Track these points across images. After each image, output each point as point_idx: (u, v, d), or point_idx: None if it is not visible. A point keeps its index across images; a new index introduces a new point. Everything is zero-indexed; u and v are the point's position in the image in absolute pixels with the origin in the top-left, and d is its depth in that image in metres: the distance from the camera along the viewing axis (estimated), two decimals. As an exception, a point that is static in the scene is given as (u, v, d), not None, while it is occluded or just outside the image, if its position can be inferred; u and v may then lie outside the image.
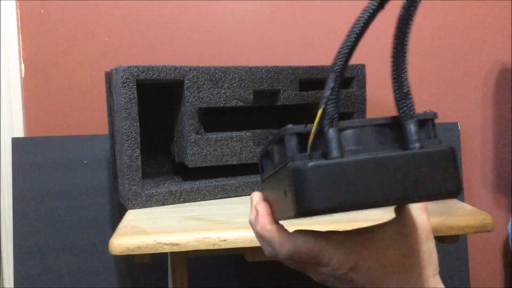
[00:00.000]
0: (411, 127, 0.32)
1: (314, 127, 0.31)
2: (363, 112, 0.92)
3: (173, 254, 0.90)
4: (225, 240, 0.62)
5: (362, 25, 0.31)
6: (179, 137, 0.83)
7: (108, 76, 0.86)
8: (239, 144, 0.82)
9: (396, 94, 0.33)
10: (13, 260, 1.04)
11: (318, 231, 0.37)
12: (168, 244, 0.61)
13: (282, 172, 0.33)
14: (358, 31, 0.31)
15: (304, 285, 1.14)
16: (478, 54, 1.23)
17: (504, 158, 1.25)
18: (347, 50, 0.31)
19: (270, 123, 0.95)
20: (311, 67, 0.87)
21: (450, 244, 0.70)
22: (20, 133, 1.08)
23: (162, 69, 0.76)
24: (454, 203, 0.74)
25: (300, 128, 0.32)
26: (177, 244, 0.61)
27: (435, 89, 1.22)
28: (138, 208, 0.76)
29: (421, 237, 0.36)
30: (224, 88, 0.80)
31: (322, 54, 1.16)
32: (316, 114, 0.31)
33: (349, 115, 0.92)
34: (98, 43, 1.10)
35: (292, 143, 0.32)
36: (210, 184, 0.81)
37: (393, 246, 0.35)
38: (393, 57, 0.33)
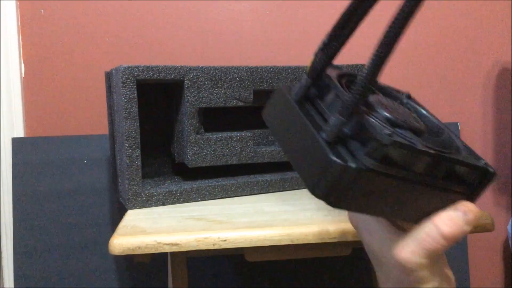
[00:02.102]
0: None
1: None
2: (363, 112, 0.92)
3: (173, 254, 0.90)
4: (225, 240, 0.62)
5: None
6: (179, 137, 0.83)
7: (108, 76, 0.86)
8: (239, 144, 0.82)
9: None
10: (13, 260, 1.04)
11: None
12: (168, 244, 0.61)
13: None
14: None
15: (303, 286, 1.14)
16: (478, 54, 1.23)
17: (504, 158, 1.25)
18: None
19: (270, 123, 0.94)
20: (311, 67, 0.87)
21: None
22: (20, 133, 1.08)
23: (162, 69, 0.76)
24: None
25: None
26: (177, 244, 0.61)
27: (435, 89, 1.23)
28: (138, 208, 0.76)
29: None
30: (224, 88, 0.80)
31: (322, 54, 1.16)
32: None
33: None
34: (98, 43, 1.10)
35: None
36: (210, 184, 0.81)
37: None
38: None
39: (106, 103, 0.89)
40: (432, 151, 0.30)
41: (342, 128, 0.29)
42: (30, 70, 1.09)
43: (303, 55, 1.16)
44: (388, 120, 0.32)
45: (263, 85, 0.83)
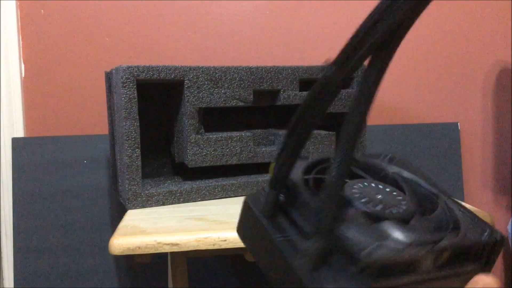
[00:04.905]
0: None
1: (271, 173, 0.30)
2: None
3: (173, 254, 0.90)
4: (225, 240, 0.62)
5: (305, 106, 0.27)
6: (179, 137, 0.83)
7: (108, 76, 0.86)
8: (239, 144, 0.82)
9: None
10: (13, 260, 1.04)
11: None
12: (168, 244, 0.61)
13: None
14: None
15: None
16: (478, 54, 1.23)
17: (504, 158, 1.25)
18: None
19: (270, 123, 0.95)
20: (311, 67, 0.87)
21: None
22: (20, 133, 1.08)
23: (162, 69, 0.76)
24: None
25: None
26: (177, 244, 0.61)
27: (435, 89, 1.23)
28: (138, 208, 0.76)
29: None
30: (224, 88, 0.80)
31: (322, 54, 1.16)
32: None
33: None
34: (98, 43, 1.10)
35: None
36: (210, 184, 0.81)
37: None
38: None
39: (106, 103, 0.89)
40: (423, 251, 0.26)
41: (320, 252, 0.26)
42: (30, 70, 1.09)
43: (303, 55, 1.16)
44: (367, 215, 0.28)
45: (263, 85, 0.83)
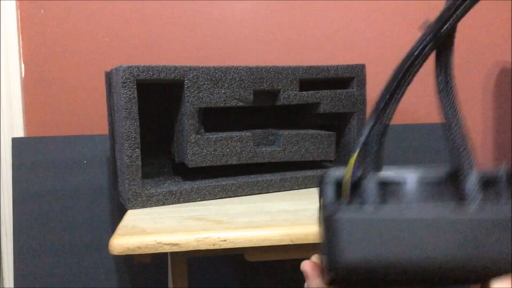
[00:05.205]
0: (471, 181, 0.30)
1: (348, 176, 0.29)
2: (363, 112, 0.92)
3: (173, 254, 0.90)
4: (225, 240, 0.62)
5: (409, 62, 0.31)
6: (179, 137, 0.83)
7: (108, 76, 0.86)
8: (239, 144, 0.82)
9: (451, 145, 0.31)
10: (13, 260, 1.04)
11: None
12: (168, 244, 0.61)
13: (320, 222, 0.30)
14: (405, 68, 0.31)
15: (303, 286, 1.14)
16: (478, 54, 1.23)
17: (504, 158, 1.25)
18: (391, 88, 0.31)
19: (270, 123, 0.95)
20: (311, 67, 0.87)
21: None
22: (20, 133, 1.08)
23: (162, 69, 0.75)
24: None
25: (341, 173, 0.30)
26: (177, 244, 0.61)
27: (435, 89, 1.23)
28: (138, 208, 0.76)
29: None
30: (224, 88, 0.80)
31: (322, 54, 1.16)
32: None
33: (349, 115, 0.92)
34: (98, 43, 1.10)
35: (329, 192, 0.30)
36: (210, 184, 0.81)
37: None
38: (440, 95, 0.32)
39: (106, 103, 0.89)
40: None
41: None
42: (30, 70, 1.09)
43: (303, 55, 1.16)
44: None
45: (263, 85, 0.83)
